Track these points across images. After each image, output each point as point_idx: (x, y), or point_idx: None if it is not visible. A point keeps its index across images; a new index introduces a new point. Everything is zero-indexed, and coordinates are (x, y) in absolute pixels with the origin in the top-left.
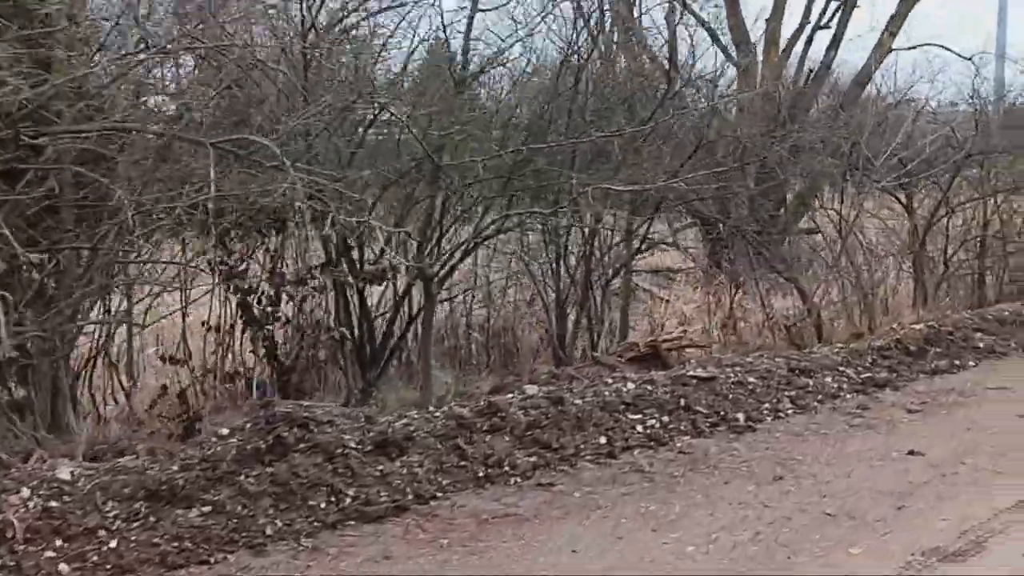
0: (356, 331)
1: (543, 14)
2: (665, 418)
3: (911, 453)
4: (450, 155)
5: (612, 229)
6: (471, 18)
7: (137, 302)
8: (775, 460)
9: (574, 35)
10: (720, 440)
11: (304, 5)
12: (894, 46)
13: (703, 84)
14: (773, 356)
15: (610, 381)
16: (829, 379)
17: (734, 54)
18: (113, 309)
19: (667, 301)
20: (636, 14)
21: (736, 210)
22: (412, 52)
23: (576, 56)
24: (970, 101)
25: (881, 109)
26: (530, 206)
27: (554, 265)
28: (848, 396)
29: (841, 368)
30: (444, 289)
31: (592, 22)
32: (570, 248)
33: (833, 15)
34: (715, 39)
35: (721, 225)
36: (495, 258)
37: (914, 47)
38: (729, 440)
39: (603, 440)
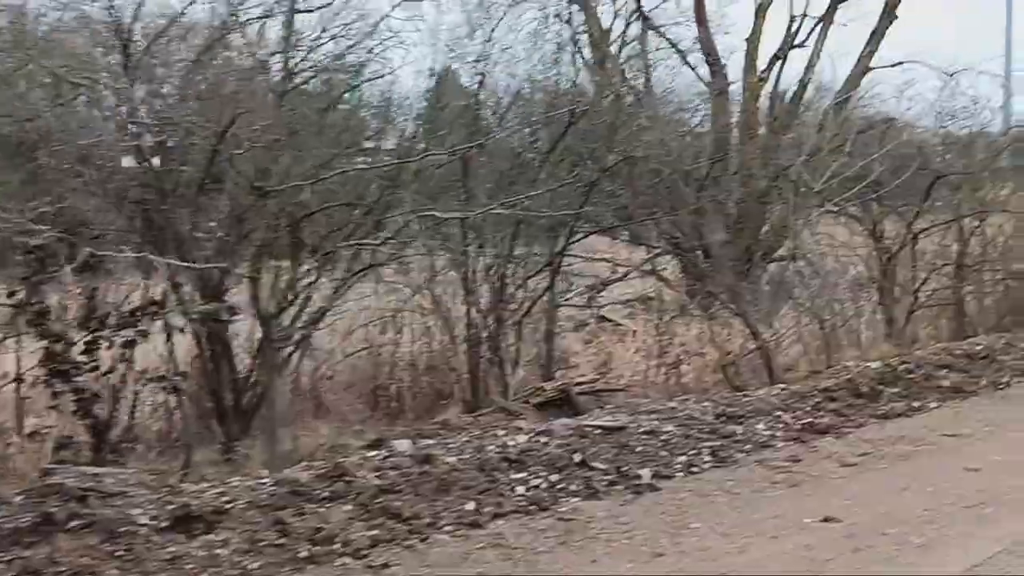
0: (213, 380)
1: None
2: (554, 477)
3: (826, 520)
4: (280, 179)
5: (523, 260)
6: (290, 20)
7: None
8: (666, 529)
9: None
10: (613, 503)
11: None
12: (873, 64)
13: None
14: (701, 400)
15: (500, 432)
16: (761, 426)
17: (707, 76)
18: None
19: (634, 333)
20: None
21: (708, 237)
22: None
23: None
24: (940, 119)
25: (815, 130)
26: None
27: (465, 298)
28: (780, 446)
29: (778, 412)
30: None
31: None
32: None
33: (809, 34)
34: (686, 61)
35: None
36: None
37: (896, 64)
38: (624, 503)
39: (471, 506)
